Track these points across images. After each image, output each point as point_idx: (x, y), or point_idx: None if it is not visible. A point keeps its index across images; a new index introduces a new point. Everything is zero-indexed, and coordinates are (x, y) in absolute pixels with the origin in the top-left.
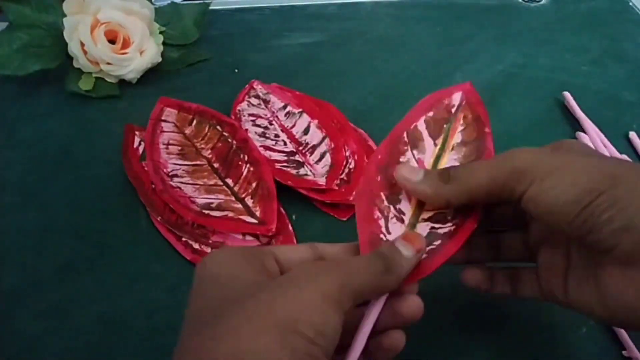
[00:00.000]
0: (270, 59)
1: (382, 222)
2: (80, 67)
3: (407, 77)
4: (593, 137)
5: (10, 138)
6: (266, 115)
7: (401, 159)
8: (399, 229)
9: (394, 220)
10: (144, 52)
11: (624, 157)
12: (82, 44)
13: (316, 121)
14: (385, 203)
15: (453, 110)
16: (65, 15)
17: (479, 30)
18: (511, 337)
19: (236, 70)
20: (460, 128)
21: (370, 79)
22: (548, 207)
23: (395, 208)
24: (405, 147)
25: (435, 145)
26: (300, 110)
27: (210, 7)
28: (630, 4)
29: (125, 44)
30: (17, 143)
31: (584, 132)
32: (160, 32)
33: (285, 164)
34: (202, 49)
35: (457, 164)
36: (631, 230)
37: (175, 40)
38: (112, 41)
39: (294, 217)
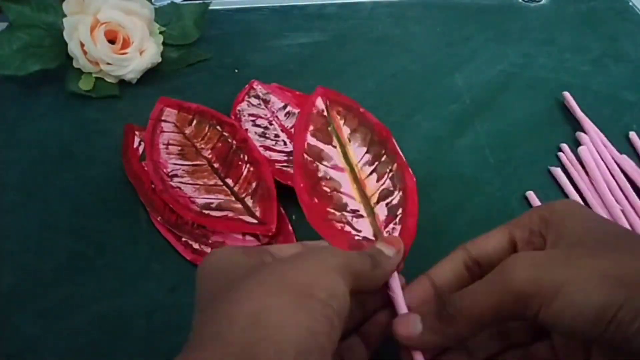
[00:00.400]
0: (270, 59)
1: (347, 227)
2: (80, 67)
3: (407, 77)
4: (593, 137)
5: (10, 138)
6: (266, 115)
7: (319, 175)
8: (364, 223)
9: (354, 219)
10: (144, 52)
11: (624, 157)
12: (82, 44)
13: None
14: (337, 213)
15: (324, 113)
16: (65, 15)
17: (479, 30)
18: None
19: (236, 70)
20: (342, 122)
21: (370, 79)
22: (568, 327)
23: (347, 211)
24: (315, 164)
25: (334, 146)
26: (299, 110)
27: (210, 7)
28: (630, 4)
29: (125, 44)
30: (17, 143)
31: (584, 132)
32: (160, 32)
33: (285, 164)
34: (202, 49)
35: (363, 150)
36: None
37: (175, 40)
38: (112, 41)
39: (293, 217)
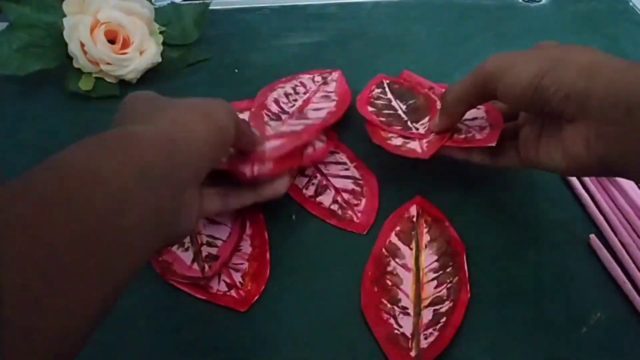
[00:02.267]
0: (270, 59)
1: (392, 321)
2: (80, 67)
3: None
4: None
5: (10, 138)
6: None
7: (388, 269)
8: (408, 321)
9: (401, 315)
10: (144, 52)
11: None
12: (82, 44)
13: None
14: (389, 305)
15: (414, 219)
16: (65, 15)
17: (479, 30)
18: (511, 337)
19: (236, 70)
20: (425, 230)
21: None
22: (512, 95)
23: (398, 306)
24: (388, 259)
25: (411, 249)
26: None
27: (210, 7)
28: (630, 4)
29: (125, 44)
30: (17, 143)
31: None
32: (160, 32)
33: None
34: (202, 49)
35: (434, 257)
36: (571, 97)
37: (175, 40)
38: (112, 41)
39: (294, 217)
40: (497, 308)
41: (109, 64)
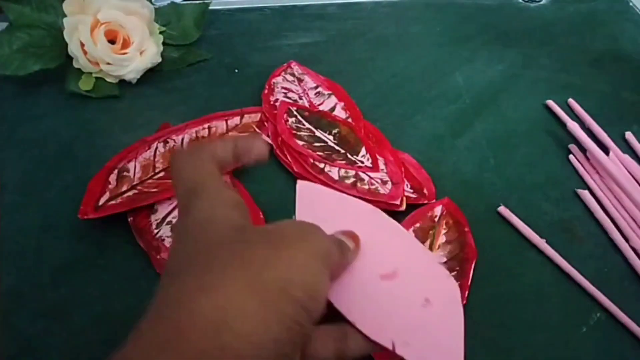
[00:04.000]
0: (270, 59)
1: None
2: (80, 67)
3: (407, 77)
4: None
5: (10, 138)
6: (298, 91)
7: None
8: None
9: None
10: (144, 52)
11: (626, 157)
12: (82, 44)
13: (342, 104)
14: None
15: (436, 219)
16: (65, 15)
17: (479, 30)
18: (511, 337)
19: (236, 70)
20: (444, 231)
21: (370, 79)
22: None
23: None
24: None
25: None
26: (330, 92)
27: (210, 7)
28: (630, 4)
29: (125, 44)
30: (17, 143)
31: (576, 138)
32: (160, 32)
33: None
34: (202, 49)
35: (443, 259)
36: None
37: (175, 40)
38: (112, 41)
39: (294, 217)
40: (497, 308)
41: (109, 64)
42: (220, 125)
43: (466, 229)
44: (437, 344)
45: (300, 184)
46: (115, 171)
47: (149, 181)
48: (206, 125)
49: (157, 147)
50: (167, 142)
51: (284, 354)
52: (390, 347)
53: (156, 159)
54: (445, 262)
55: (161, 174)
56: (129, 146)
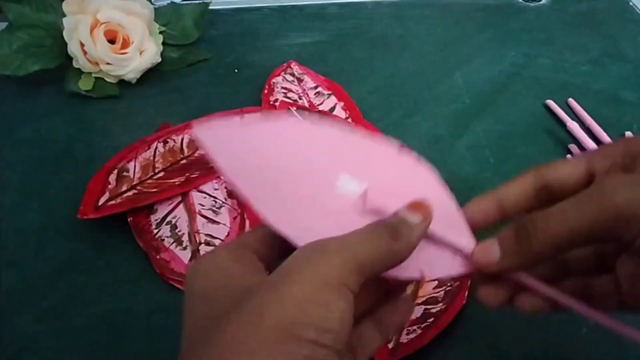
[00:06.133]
0: (270, 59)
1: None
2: (80, 67)
3: (407, 77)
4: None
5: (10, 138)
6: (297, 91)
7: None
8: None
9: None
10: (143, 52)
11: None
12: (82, 44)
13: (342, 104)
14: None
15: None
16: (65, 15)
17: (479, 30)
18: (511, 337)
19: (236, 70)
20: None
21: (370, 79)
22: None
23: None
24: None
25: None
26: (330, 92)
27: (210, 7)
28: (631, 4)
29: (125, 44)
30: (17, 143)
31: (575, 138)
32: (160, 32)
33: None
34: (202, 49)
35: None
36: None
37: (175, 40)
38: (112, 41)
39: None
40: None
41: (108, 64)
42: None
43: None
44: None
45: (197, 131)
46: (115, 171)
47: (149, 181)
48: None
49: (157, 147)
50: (167, 142)
51: None
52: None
53: (156, 159)
54: None
55: (161, 174)
56: (129, 146)
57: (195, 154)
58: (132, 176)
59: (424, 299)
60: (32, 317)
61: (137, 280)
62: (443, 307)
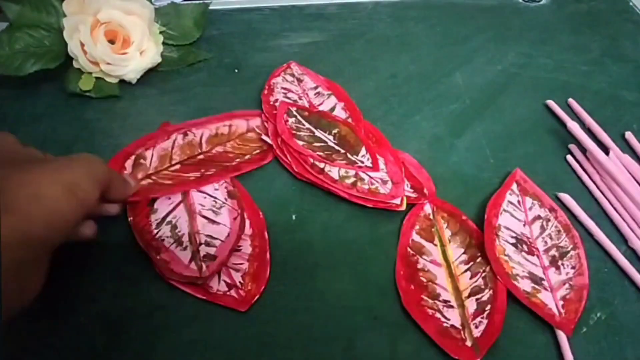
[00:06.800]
0: (270, 59)
1: (438, 315)
2: (80, 67)
3: (407, 77)
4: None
5: None
6: (297, 91)
7: (418, 267)
8: (454, 313)
9: (445, 309)
10: (144, 52)
11: (626, 157)
12: (82, 44)
13: (342, 104)
14: (430, 301)
15: (430, 216)
16: (65, 15)
17: (479, 30)
18: (511, 337)
19: (236, 70)
20: (445, 225)
21: (370, 79)
22: None
23: (439, 301)
24: (415, 257)
25: (435, 245)
26: (330, 92)
27: (210, 7)
28: (631, 4)
29: (125, 44)
30: None
31: (574, 137)
32: (160, 32)
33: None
34: (202, 49)
35: (461, 250)
36: None
37: (175, 40)
38: (112, 41)
39: (294, 217)
40: None
41: (109, 64)
42: (240, 124)
43: (464, 217)
44: None
45: None
46: (133, 157)
47: (165, 172)
48: (227, 123)
49: (176, 139)
50: (187, 135)
51: (70, 231)
52: None
53: (174, 151)
54: (464, 253)
55: (177, 167)
56: (150, 133)
57: (213, 151)
58: (148, 165)
59: (467, 292)
60: (32, 317)
61: (137, 280)
62: (490, 292)
